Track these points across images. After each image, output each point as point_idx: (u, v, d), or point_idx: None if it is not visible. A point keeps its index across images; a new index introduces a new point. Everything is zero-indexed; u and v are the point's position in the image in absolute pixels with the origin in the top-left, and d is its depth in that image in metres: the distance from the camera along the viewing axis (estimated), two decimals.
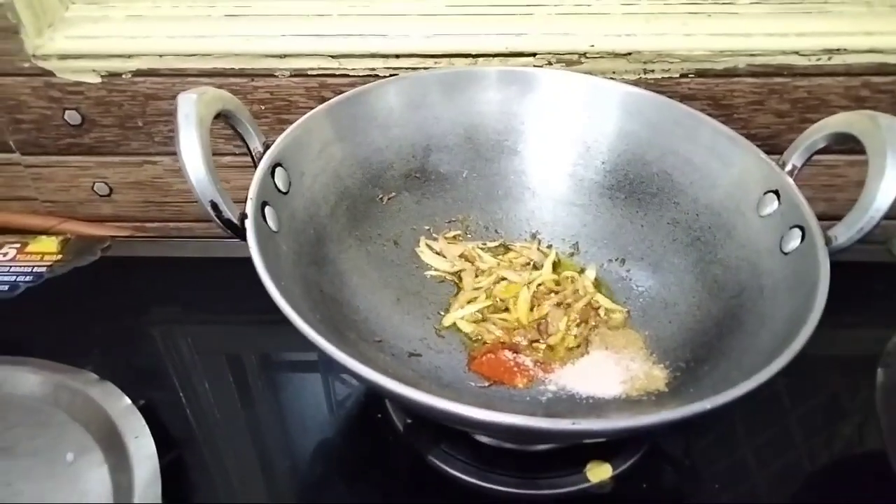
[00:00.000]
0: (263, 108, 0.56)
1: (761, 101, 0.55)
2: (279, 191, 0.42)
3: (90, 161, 0.60)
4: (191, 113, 0.36)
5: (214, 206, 0.36)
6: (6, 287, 0.55)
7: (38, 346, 0.51)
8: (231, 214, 0.37)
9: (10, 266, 0.57)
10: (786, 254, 0.39)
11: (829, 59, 0.52)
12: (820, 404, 0.48)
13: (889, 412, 0.44)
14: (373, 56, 0.53)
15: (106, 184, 0.61)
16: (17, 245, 0.59)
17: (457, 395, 0.39)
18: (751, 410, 0.47)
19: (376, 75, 0.54)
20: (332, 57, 0.54)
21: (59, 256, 0.58)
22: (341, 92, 0.48)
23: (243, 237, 0.37)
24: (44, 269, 0.56)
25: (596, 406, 0.40)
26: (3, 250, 0.58)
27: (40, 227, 0.62)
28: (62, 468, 0.37)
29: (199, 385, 0.49)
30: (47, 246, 0.59)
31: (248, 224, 0.37)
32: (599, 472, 0.43)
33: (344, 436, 0.47)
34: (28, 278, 0.56)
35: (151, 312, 0.55)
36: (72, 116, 0.57)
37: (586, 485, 0.42)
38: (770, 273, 0.40)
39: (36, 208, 0.63)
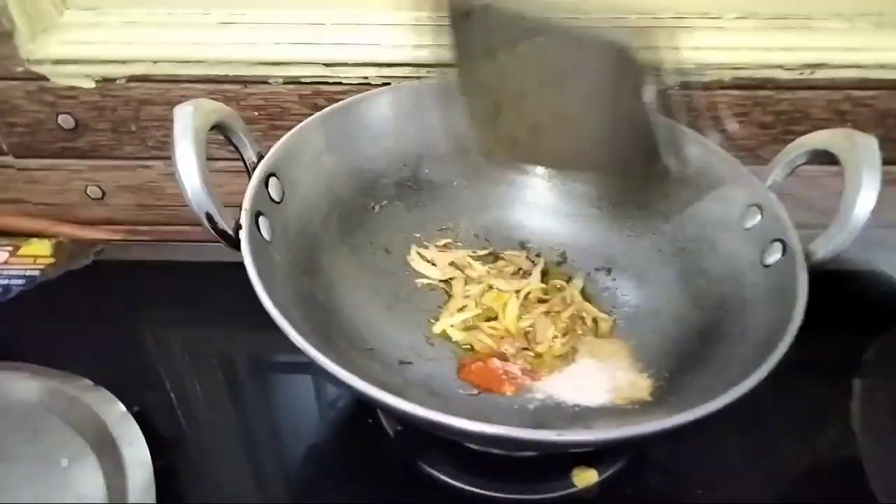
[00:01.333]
0: (257, 114, 0.57)
1: (746, 114, 0.56)
2: (273, 200, 0.43)
3: (83, 164, 0.60)
4: (187, 125, 0.37)
5: (209, 217, 0.37)
6: None
7: (31, 350, 0.51)
8: (226, 225, 0.38)
9: (3, 269, 0.57)
10: (767, 266, 0.41)
11: (812, 73, 0.53)
12: (802, 411, 0.49)
13: (865, 420, 0.46)
14: (366, 65, 0.54)
15: (99, 187, 0.62)
16: (10, 248, 0.59)
17: (446, 403, 0.40)
18: (734, 415, 0.48)
19: (369, 84, 0.55)
20: (326, 65, 0.54)
21: (52, 260, 0.58)
22: (335, 100, 0.49)
23: (237, 247, 0.38)
24: (37, 273, 0.57)
25: (582, 414, 0.41)
26: None
27: (33, 230, 0.62)
28: (57, 474, 0.38)
29: (192, 389, 0.50)
30: (40, 249, 0.59)
31: (243, 235, 0.38)
32: (585, 478, 0.44)
33: (336, 440, 0.47)
34: (20, 282, 0.56)
35: (144, 316, 0.55)
36: (65, 121, 0.57)
37: (572, 490, 0.43)
38: (752, 285, 0.41)
39: (28, 211, 0.63)
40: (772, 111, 0.56)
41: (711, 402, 0.30)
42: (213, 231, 0.38)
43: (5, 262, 0.58)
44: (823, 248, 0.39)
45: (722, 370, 0.37)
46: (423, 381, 0.42)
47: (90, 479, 0.38)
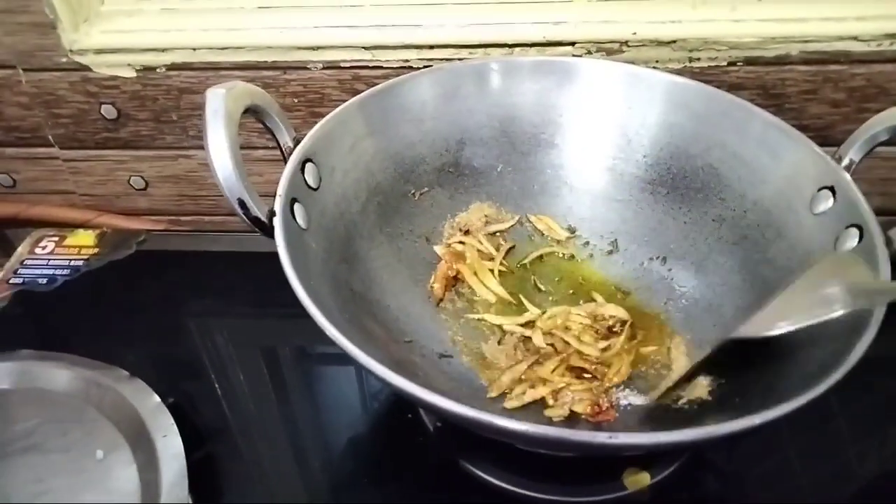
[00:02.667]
0: (296, 101, 0.56)
1: (815, 91, 0.52)
2: (309, 187, 0.41)
3: (126, 155, 0.60)
4: (219, 108, 0.35)
5: (242, 203, 0.36)
6: (45, 280, 0.55)
7: (73, 339, 0.51)
8: (259, 212, 0.36)
9: (49, 259, 0.57)
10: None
11: (892, 44, 0.49)
12: (870, 408, 0.46)
13: None
14: (406, 47, 0.52)
15: (142, 178, 0.62)
16: (56, 238, 0.59)
17: (489, 400, 0.38)
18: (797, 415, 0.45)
19: (410, 67, 0.53)
20: (365, 48, 0.53)
21: (96, 250, 0.58)
22: (374, 84, 0.47)
23: (271, 235, 0.36)
24: (81, 263, 0.57)
25: (635, 413, 0.38)
26: (42, 244, 0.59)
27: (78, 221, 0.62)
28: (92, 465, 0.37)
29: (232, 380, 0.49)
30: (85, 239, 0.59)
31: (277, 222, 0.36)
32: (637, 481, 0.41)
33: (376, 435, 0.46)
34: (65, 271, 0.56)
35: (185, 306, 0.55)
36: (108, 111, 0.57)
37: (623, 493, 0.41)
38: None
39: (74, 202, 0.64)
40: (844, 88, 0.52)
41: (778, 407, 0.27)
42: (245, 218, 0.36)
43: (51, 252, 0.58)
44: None
45: (789, 371, 0.33)
46: (464, 375, 0.40)
47: (124, 471, 0.37)
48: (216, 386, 0.48)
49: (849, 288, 0.31)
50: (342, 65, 0.53)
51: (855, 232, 0.37)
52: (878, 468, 0.43)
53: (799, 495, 0.41)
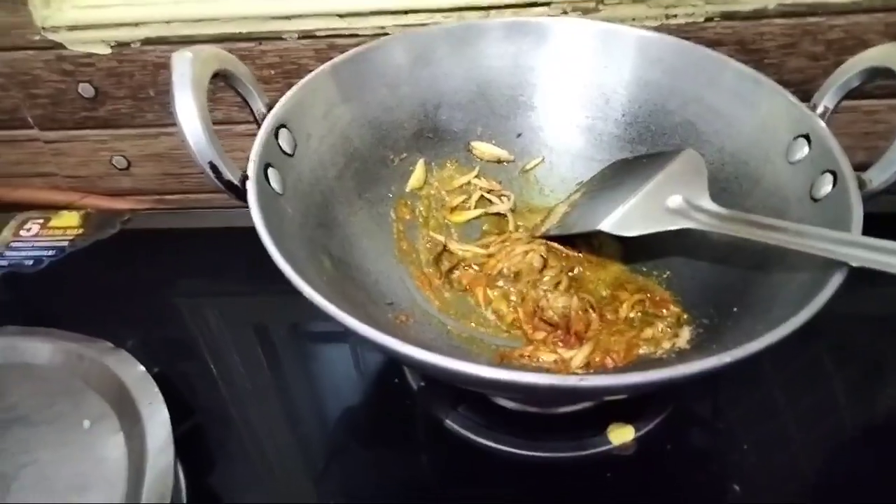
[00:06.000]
0: (273, 72, 0.55)
1: (794, 45, 0.52)
2: (284, 153, 0.41)
3: (107, 134, 0.60)
4: (186, 72, 0.35)
5: (214, 167, 0.36)
6: (30, 262, 0.56)
7: (60, 318, 0.51)
8: (232, 176, 0.36)
9: (34, 242, 0.57)
10: (816, 200, 0.37)
11: None
12: (855, 365, 0.46)
13: None
14: (381, 13, 0.52)
15: (124, 157, 0.62)
16: (41, 220, 0.59)
17: (464, 356, 0.38)
18: (778, 368, 0.45)
19: (386, 33, 0.52)
20: (340, 16, 0.52)
21: (81, 231, 0.58)
22: None
23: (245, 199, 0.36)
24: (66, 244, 0.57)
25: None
26: (27, 226, 0.59)
27: (62, 203, 0.62)
28: (79, 435, 0.38)
29: (220, 354, 0.49)
30: (69, 220, 0.59)
31: (250, 185, 0.36)
32: (622, 434, 0.41)
33: (364, 401, 0.46)
34: (51, 252, 0.56)
35: (172, 283, 0.55)
36: (85, 89, 0.57)
37: (608, 447, 0.41)
38: (800, 221, 0.37)
39: (57, 184, 0.64)
40: (823, 40, 0.51)
41: (745, 346, 0.27)
42: (218, 182, 0.36)
43: (36, 235, 0.58)
44: (879, 177, 0.35)
45: (766, 314, 0.33)
46: (444, 336, 0.40)
47: (111, 439, 0.37)
48: (205, 359, 0.49)
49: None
50: (317, 34, 0.53)
51: (829, 177, 0.37)
52: (865, 423, 0.44)
53: (785, 446, 0.42)
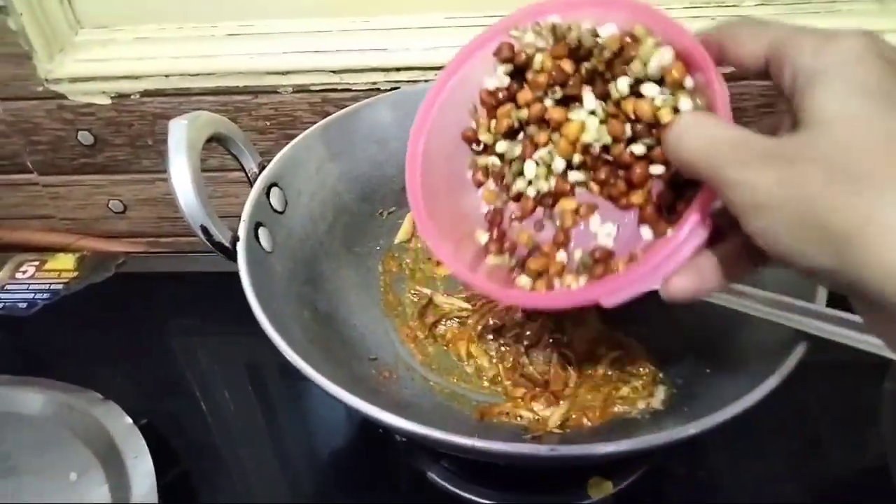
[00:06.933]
0: (269, 123, 0.57)
1: (771, 105, 0.54)
2: (275, 210, 0.42)
3: (104, 179, 0.62)
4: (181, 139, 0.37)
5: (205, 230, 0.37)
6: (24, 304, 0.57)
7: (52, 363, 0.52)
8: (222, 237, 0.38)
9: (29, 284, 0.58)
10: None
11: None
12: (831, 416, 0.46)
13: (894, 423, 0.43)
14: (374, 70, 0.54)
15: (120, 201, 0.63)
16: (36, 263, 0.61)
17: (450, 414, 0.39)
18: (754, 421, 0.46)
19: (378, 89, 0.54)
20: (334, 72, 0.54)
21: (76, 273, 0.59)
22: (344, 106, 0.48)
23: (235, 259, 0.37)
24: (60, 286, 0.58)
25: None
26: (23, 268, 0.60)
27: (58, 245, 0.64)
28: (65, 487, 0.39)
29: (210, 399, 0.50)
30: (64, 263, 0.60)
31: (240, 247, 0.38)
32: (601, 489, 0.42)
33: (350, 448, 0.47)
34: (45, 295, 0.57)
35: (164, 326, 0.56)
36: (85, 137, 0.59)
37: (588, 501, 0.42)
38: (772, 286, 0.38)
39: (54, 226, 0.65)
40: None
41: (714, 416, 0.28)
42: (209, 244, 0.38)
43: (31, 277, 0.59)
44: None
45: (735, 379, 0.34)
46: (427, 391, 0.41)
47: (96, 492, 0.38)
48: (196, 404, 0.49)
49: None
50: (312, 88, 0.55)
51: None
52: (847, 473, 0.44)
53: (766, 497, 0.42)
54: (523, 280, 0.33)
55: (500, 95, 0.34)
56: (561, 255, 0.33)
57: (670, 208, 0.30)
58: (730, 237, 0.27)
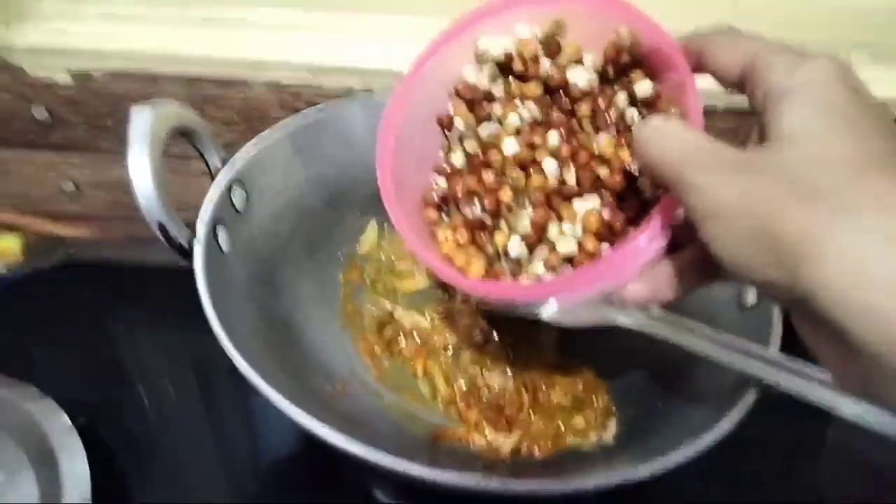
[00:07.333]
0: (236, 116, 0.55)
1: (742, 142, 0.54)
2: (236, 210, 0.41)
3: (57, 158, 0.59)
4: (143, 129, 0.35)
5: (162, 227, 0.36)
6: None
7: None
8: (180, 236, 0.36)
9: None
10: (744, 309, 0.39)
11: None
12: (777, 455, 0.47)
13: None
14: (348, 72, 0.52)
15: (73, 182, 0.60)
16: None
17: (401, 434, 0.38)
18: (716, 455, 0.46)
19: (352, 90, 0.53)
20: (308, 71, 0.53)
21: (21, 258, 0.57)
22: (316, 104, 0.47)
23: (191, 259, 0.36)
24: (3, 270, 0.55)
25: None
26: None
27: (2, 223, 0.60)
28: None
29: (155, 398, 0.48)
30: (9, 244, 0.57)
31: (197, 248, 0.36)
32: None
33: (293, 459, 0.46)
34: None
35: (113, 319, 0.54)
36: (39, 112, 0.56)
37: None
38: (727, 327, 0.39)
39: None
40: None
41: (661, 460, 0.28)
42: (165, 242, 0.36)
43: None
44: None
45: (687, 419, 0.35)
46: (379, 406, 0.41)
47: (25, 494, 0.36)
48: (138, 403, 0.47)
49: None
50: (283, 83, 0.53)
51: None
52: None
53: None
54: (476, 267, 0.33)
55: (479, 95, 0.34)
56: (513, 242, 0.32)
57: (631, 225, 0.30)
58: (687, 248, 0.28)
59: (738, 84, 0.27)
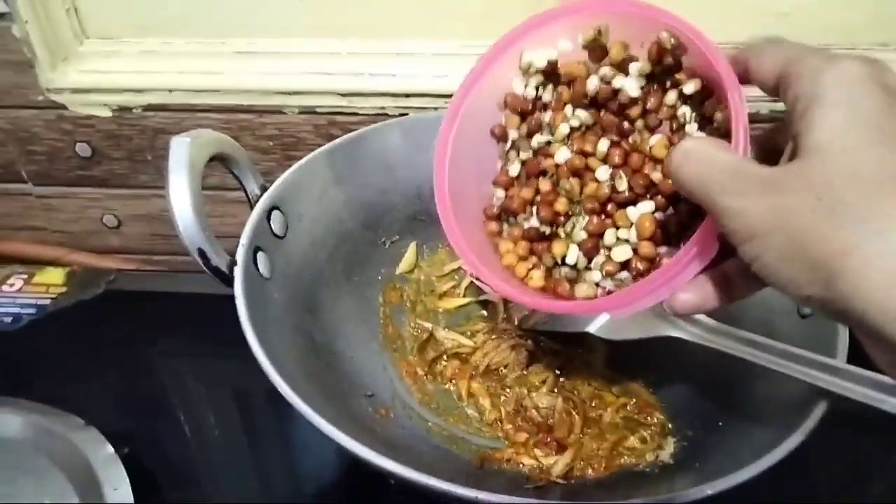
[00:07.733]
0: (272, 143, 0.56)
1: None
2: (275, 235, 0.41)
3: (99, 193, 0.60)
4: (182, 158, 0.36)
5: (202, 253, 0.36)
6: (10, 319, 0.55)
7: (35, 381, 0.50)
8: (219, 261, 0.36)
9: (16, 298, 0.56)
10: (803, 317, 0.37)
11: None
12: (844, 464, 0.45)
13: None
14: (382, 95, 0.53)
15: (114, 216, 0.61)
16: (24, 276, 0.59)
17: (447, 456, 0.37)
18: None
19: (386, 114, 0.53)
20: (342, 95, 0.53)
21: (64, 289, 0.57)
22: (350, 130, 0.47)
23: (231, 285, 0.36)
24: (48, 302, 0.56)
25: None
26: (11, 281, 0.58)
27: (48, 258, 0.62)
28: None
29: (197, 425, 0.48)
30: (53, 277, 0.59)
31: (237, 272, 0.36)
32: None
33: (337, 488, 0.45)
34: (32, 311, 0.55)
35: (153, 347, 0.54)
36: (83, 149, 0.57)
37: None
38: (786, 336, 0.37)
39: (45, 238, 0.63)
40: None
41: (730, 477, 0.26)
42: (206, 268, 0.36)
43: (19, 290, 0.57)
44: None
45: (750, 433, 0.33)
46: (424, 434, 0.39)
47: None
48: (180, 432, 0.47)
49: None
50: (318, 110, 0.54)
51: None
52: None
53: None
54: (536, 276, 0.32)
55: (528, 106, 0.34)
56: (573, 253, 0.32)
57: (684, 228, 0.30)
58: (734, 258, 0.27)
59: (776, 92, 0.26)
